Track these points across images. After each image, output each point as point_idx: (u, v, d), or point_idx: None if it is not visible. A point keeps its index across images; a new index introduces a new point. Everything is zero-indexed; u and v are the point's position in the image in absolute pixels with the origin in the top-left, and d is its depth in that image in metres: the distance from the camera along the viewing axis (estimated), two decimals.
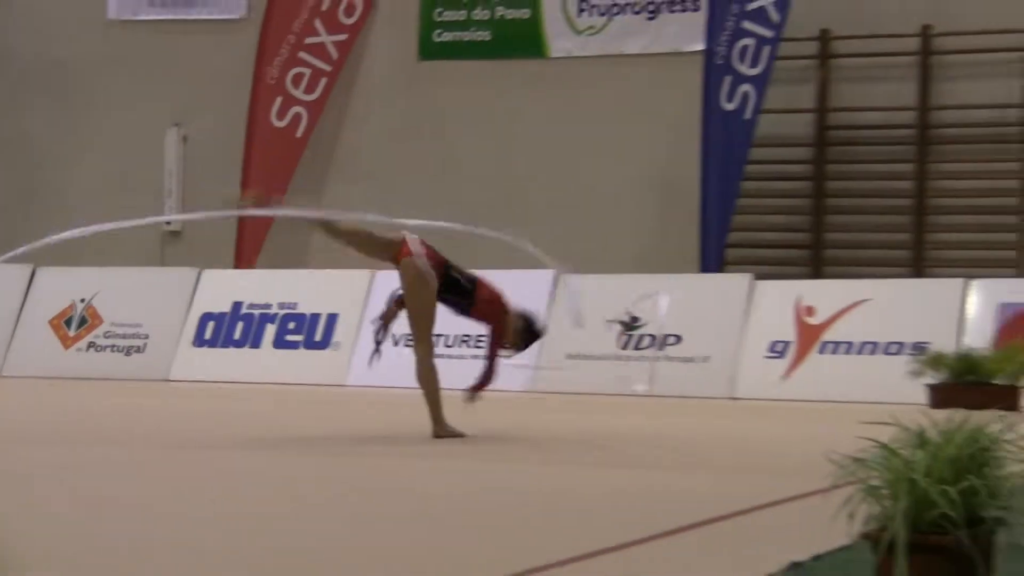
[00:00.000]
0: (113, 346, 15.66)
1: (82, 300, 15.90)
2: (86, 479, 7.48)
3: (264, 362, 15.03)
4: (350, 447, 9.05)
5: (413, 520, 6.13)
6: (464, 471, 7.95)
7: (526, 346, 9.76)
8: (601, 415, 11.77)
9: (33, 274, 16.27)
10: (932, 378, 12.41)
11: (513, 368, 12.02)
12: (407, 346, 14.62)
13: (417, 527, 5.94)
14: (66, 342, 15.79)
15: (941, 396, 11.99)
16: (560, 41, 17.24)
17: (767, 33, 15.57)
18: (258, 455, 8.53)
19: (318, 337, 15.02)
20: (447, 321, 13.27)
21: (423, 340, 9.46)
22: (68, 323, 15.87)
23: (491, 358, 9.60)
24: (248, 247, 17.29)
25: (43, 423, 10.63)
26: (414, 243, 9.43)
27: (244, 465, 8.08)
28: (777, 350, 13.85)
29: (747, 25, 15.54)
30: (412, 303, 9.42)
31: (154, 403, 12.65)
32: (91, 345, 15.73)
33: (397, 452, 8.85)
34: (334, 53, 17.79)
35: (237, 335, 15.36)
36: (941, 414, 4.67)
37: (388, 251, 9.47)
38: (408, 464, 8.26)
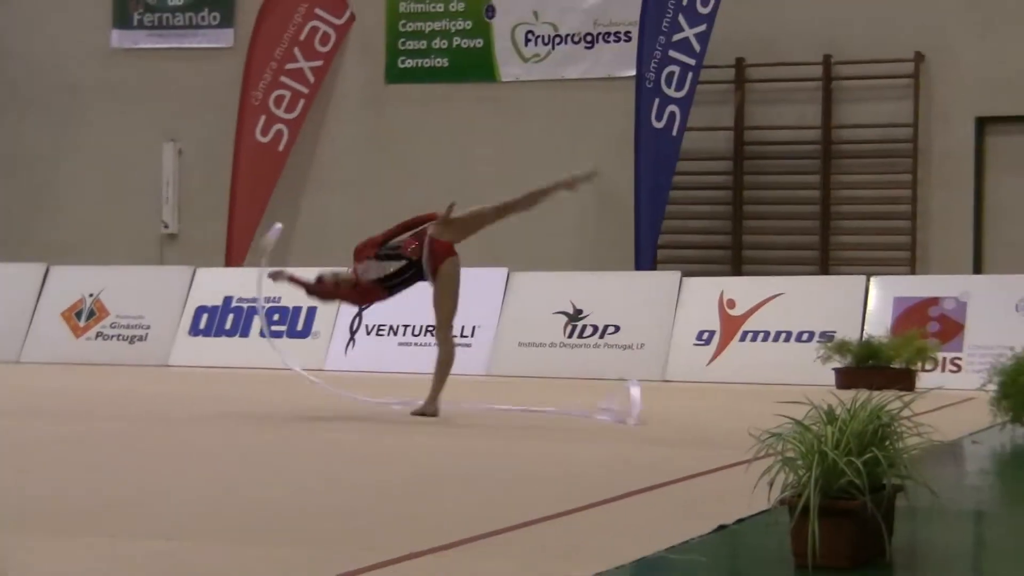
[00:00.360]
0: (118, 335, 15.57)
1: (90, 295, 15.81)
2: (91, 448, 7.49)
3: (252, 349, 14.97)
4: (320, 422, 9.05)
5: (384, 484, 6.14)
6: (431, 444, 7.96)
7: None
8: (550, 397, 11.79)
9: (47, 272, 16.17)
10: (838, 362, 12.44)
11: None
12: (378, 335, 14.71)
13: (389, 492, 5.95)
14: (76, 332, 15.70)
15: (846, 378, 12.01)
16: (509, 67, 17.26)
17: (690, 61, 15.62)
18: (245, 428, 8.53)
19: (300, 327, 14.99)
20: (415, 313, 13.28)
21: (450, 327, 9.39)
22: (78, 315, 15.78)
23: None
24: (237, 248, 17.23)
25: (56, 402, 10.59)
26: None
27: (231, 436, 8.08)
28: (703, 338, 13.87)
29: (673, 54, 15.59)
30: (453, 297, 9.27)
31: (154, 385, 12.61)
32: (99, 335, 15.63)
33: (362, 427, 8.85)
34: (311, 77, 17.76)
35: (228, 325, 15.31)
36: (847, 394, 4.71)
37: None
38: (375, 437, 8.27)
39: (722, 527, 4.98)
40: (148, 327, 15.50)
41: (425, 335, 14.48)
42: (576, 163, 17.00)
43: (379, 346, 14.60)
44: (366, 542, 4.80)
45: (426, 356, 14.22)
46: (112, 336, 15.58)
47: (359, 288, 9.37)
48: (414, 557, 4.42)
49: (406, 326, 14.62)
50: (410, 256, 9.28)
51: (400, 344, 14.55)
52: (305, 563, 4.43)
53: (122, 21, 18.61)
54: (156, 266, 17.31)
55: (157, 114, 18.23)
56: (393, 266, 9.29)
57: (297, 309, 15.06)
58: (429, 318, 14.27)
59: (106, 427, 8.63)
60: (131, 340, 15.51)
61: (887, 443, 4.47)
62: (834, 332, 13.19)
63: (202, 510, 5.39)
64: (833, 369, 12.38)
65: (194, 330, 15.37)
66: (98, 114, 18.59)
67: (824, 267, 15.85)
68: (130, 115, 18.47)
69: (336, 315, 14.69)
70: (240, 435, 8.30)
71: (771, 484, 4.42)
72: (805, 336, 13.58)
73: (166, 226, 18.15)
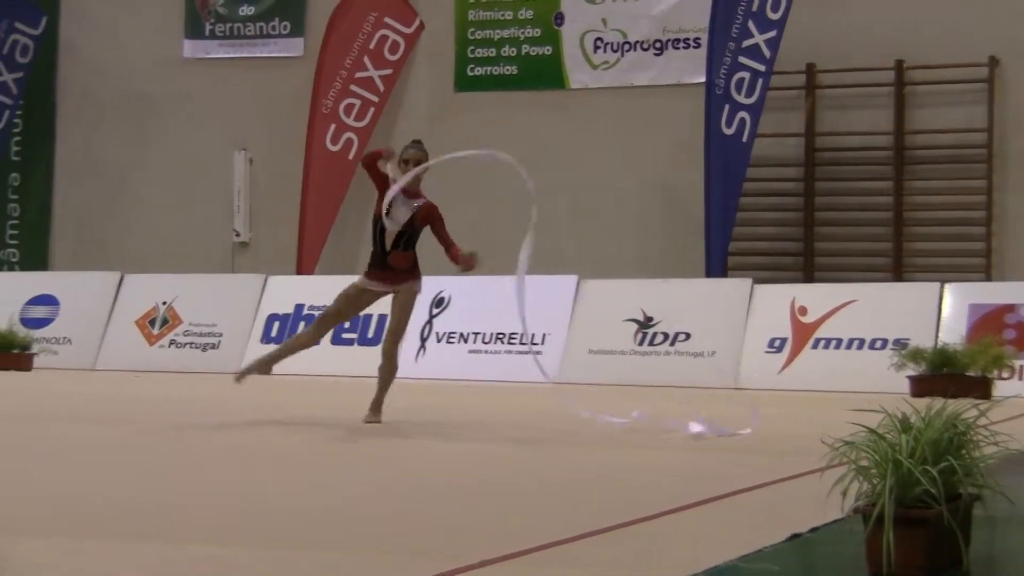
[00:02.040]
0: (191, 343, 15.70)
1: (164, 303, 15.95)
2: (150, 453, 7.55)
3: (323, 357, 15.01)
4: (393, 429, 9.07)
5: (445, 494, 6.14)
6: (498, 454, 7.96)
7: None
8: (619, 402, 11.77)
9: (121, 280, 16.34)
10: (912, 370, 12.35)
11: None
12: (448, 342, 14.75)
13: (452, 501, 5.95)
14: (150, 340, 15.85)
15: (921, 386, 11.91)
16: (578, 74, 17.26)
17: (760, 67, 15.55)
18: (311, 433, 8.57)
19: (370, 335, 15.03)
20: (485, 320, 13.37)
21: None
22: (152, 323, 15.93)
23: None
24: (308, 256, 17.33)
25: (126, 409, 10.69)
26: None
27: (296, 442, 8.12)
28: (775, 345, 13.80)
29: (743, 60, 15.53)
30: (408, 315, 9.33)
31: (226, 392, 12.69)
32: (172, 342, 15.77)
33: (429, 434, 8.86)
34: (381, 86, 17.84)
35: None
36: (921, 402, 4.67)
37: None
38: (437, 445, 8.27)
39: (795, 536, 4.94)
40: (220, 335, 15.61)
41: (495, 343, 14.50)
42: (646, 170, 17.04)
43: (449, 353, 14.63)
44: (449, 550, 4.81)
45: (496, 364, 14.32)
46: (185, 344, 15.70)
47: (384, 186, 9.28)
48: (486, 565, 4.43)
49: (476, 334, 14.63)
50: (405, 230, 9.16)
51: (471, 352, 14.57)
52: (368, 569, 4.44)
53: (194, 31, 18.79)
54: (228, 274, 17.44)
55: (228, 123, 18.38)
56: (401, 216, 9.18)
57: (368, 317, 15.11)
58: (499, 326, 14.44)
59: (168, 433, 8.69)
60: (204, 348, 15.63)
61: (963, 452, 4.44)
62: (908, 339, 13.09)
63: (256, 515, 5.41)
64: (907, 377, 12.29)
65: (266, 338, 15.46)
66: (170, 123, 18.78)
67: (897, 273, 15.73)
68: (201, 124, 18.64)
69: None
70: (308, 439, 8.33)
71: (844, 493, 4.38)
72: (878, 343, 13.48)
73: (237, 234, 18.28)
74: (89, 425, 9.26)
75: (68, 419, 9.81)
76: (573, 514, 5.59)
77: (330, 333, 13.36)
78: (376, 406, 9.29)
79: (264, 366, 9.53)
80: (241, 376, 9.59)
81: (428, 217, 9.25)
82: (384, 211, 9.10)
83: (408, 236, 9.24)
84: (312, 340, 9.49)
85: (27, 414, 10.19)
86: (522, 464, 7.47)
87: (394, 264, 9.20)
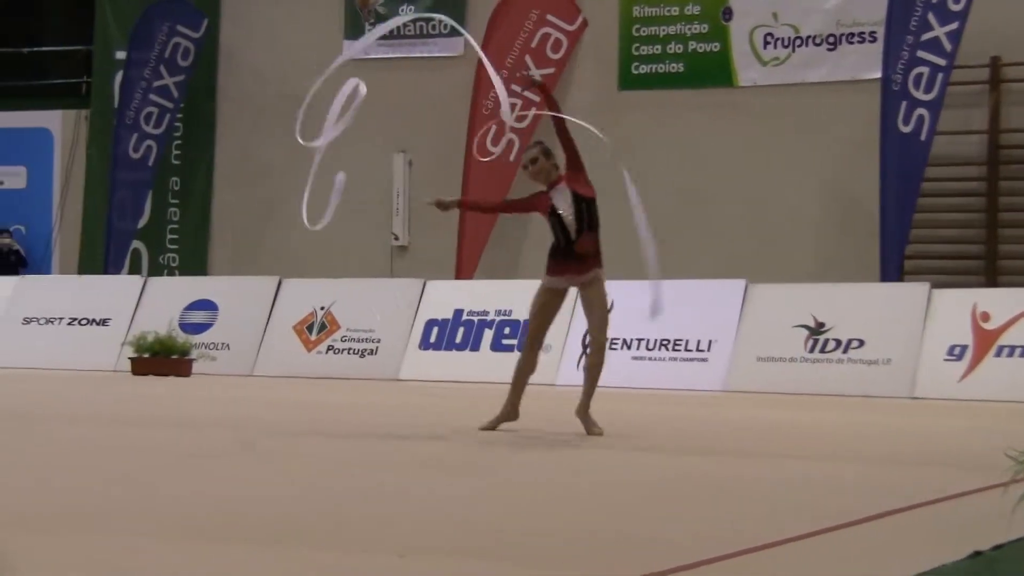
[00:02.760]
0: (349, 349, 15.87)
1: (322, 308, 16.12)
2: (287, 459, 7.65)
3: (483, 363, 15.12)
4: (553, 438, 9.07)
5: (610, 504, 6.13)
6: (657, 462, 7.93)
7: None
8: (790, 412, 11.66)
9: (279, 285, 16.57)
10: None
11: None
12: (611, 348, 14.69)
13: (614, 511, 5.95)
14: (308, 345, 16.05)
15: None
16: (747, 71, 17.13)
17: (941, 61, 15.26)
18: (469, 443, 8.62)
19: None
20: (649, 325, 13.29)
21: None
22: (310, 328, 16.11)
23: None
24: (467, 261, 17.44)
25: (282, 415, 10.86)
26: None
27: (455, 451, 8.17)
28: (955, 353, 13.52)
29: (922, 54, 15.25)
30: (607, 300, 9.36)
31: (384, 399, 12.84)
32: (330, 348, 15.96)
33: (593, 443, 8.85)
34: None
35: (459, 339, 15.47)
36: None
37: None
38: (606, 454, 8.26)
39: (977, 553, 4.84)
40: (379, 340, 15.76)
41: (660, 349, 14.44)
42: (818, 170, 16.84)
43: (612, 360, 14.56)
44: (600, 562, 4.80)
45: (662, 371, 14.25)
46: (343, 349, 15.89)
47: (534, 201, 9.36)
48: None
49: (640, 340, 14.58)
50: (580, 207, 9.19)
51: (634, 358, 14.52)
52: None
53: (354, 31, 19.04)
54: (386, 279, 17.62)
55: (387, 125, 18.56)
56: (565, 202, 9.20)
57: (527, 323, 15.13)
58: (663, 332, 14.36)
59: (316, 441, 8.80)
60: (362, 354, 15.79)
61: None
62: None
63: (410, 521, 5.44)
64: None
65: (424, 343, 15.57)
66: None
67: None
68: (361, 126, 18.71)
69: (568, 328, 14.73)
70: (468, 449, 8.38)
71: None
72: None
73: (396, 238, 18.47)
74: (238, 431, 9.42)
75: (228, 425, 9.99)
76: (738, 527, 5.55)
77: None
78: (587, 409, 9.20)
79: (510, 413, 9.47)
80: (490, 427, 9.43)
81: (573, 180, 9.21)
82: (549, 208, 9.16)
83: (587, 211, 9.21)
84: (531, 366, 9.44)
85: (186, 419, 10.40)
86: (685, 475, 7.42)
87: (581, 250, 9.12)
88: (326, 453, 8.17)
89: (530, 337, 9.41)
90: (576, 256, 9.14)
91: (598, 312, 9.24)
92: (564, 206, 9.18)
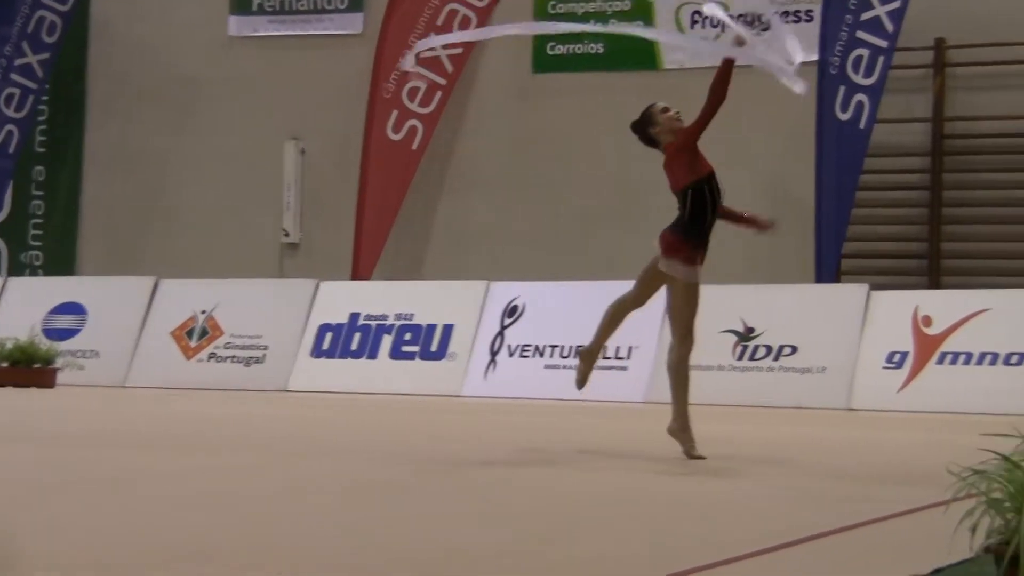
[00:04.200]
0: (233, 357, 15.80)
1: (203, 312, 16.07)
2: (186, 483, 7.54)
3: (381, 372, 15.09)
4: (460, 456, 9.04)
5: (556, 524, 6.10)
6: (568, 480, 7.91)
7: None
8: (716, 424, 11.68)
9: (156, 286, 16.47)
10: None
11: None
12: (523, 356, 14.70)
13: (566, 531, 5.91)
14: (188, 353, 15.97)
15: None
16: (673, 53, 17.18)
17: (881, 43, 15.40)
18: (369, 463, 8.55)
19: (434, 348, 15.04)
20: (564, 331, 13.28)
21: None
22: (190, 334, 16.05)
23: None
24: (365, 260, 17.38)
25: (162, 431, 10.73)
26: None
27: (348, 472, 8.10)
28: (895, 361, 13.69)
29: (861, 35, 15.39)
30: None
31: (271, 412, 12.74)
32: (212, 356, 15.88)
33: (487, 459, 8.82)
34: (449, 67, 17.84)
35: (355, 346, 15.44)
36: None
37: None
38: (508, 471, 8.23)
39: None
40: (266, 348, 15.69)
41: (576, 356, 14.41)
42: (748, 161, 16.91)
43: (523, 369, 14.57)
44: None
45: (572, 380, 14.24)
46: (226, 357, 15.80)
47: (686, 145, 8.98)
48: None
49: (554, 347, 14.59)
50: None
51: (547, 367, 14.52)
52: None
53: (241, 6, 18.91)
54: (275, 279, 17.53)
55: (278, 109, 18.48)
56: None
57: (431, 327, 15.13)
58: (578, 338, 14.34)
59: (210, 461, 8.71)
60: (247, 362, 15.72)
61: None
62: None
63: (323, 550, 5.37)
64: None
65: (317, 351, 15.52)
66: (213, 109, 18.91)
67: None
68: (248, 110, 18.75)
69: (475, 335, 14.70)
70: (365, 469, 8.32)
71: (974, 529, 4.34)
72: (1014, 359, 13.35)
73: (287, 234, 18.37)
74: (119, 451, 9.29)
75: (99, 443, 9.85)
76: (669, 548, 5.56)
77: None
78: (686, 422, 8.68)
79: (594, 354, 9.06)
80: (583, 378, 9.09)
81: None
82: (709, 172, 8.65)
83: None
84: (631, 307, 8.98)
85: (51, 436, 10.24)
86: (601, 496, 7.40)
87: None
88: (197, 474, 8.05)
89: (689, 333, 8.97)
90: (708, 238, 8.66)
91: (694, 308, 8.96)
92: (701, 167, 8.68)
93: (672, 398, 8.75)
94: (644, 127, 9.12)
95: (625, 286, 15.26)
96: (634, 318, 14.35)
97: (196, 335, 16.02)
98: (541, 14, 17.66)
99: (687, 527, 6.16)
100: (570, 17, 17.57)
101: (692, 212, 8.73)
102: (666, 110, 9.10)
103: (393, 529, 5.99)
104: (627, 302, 8.95)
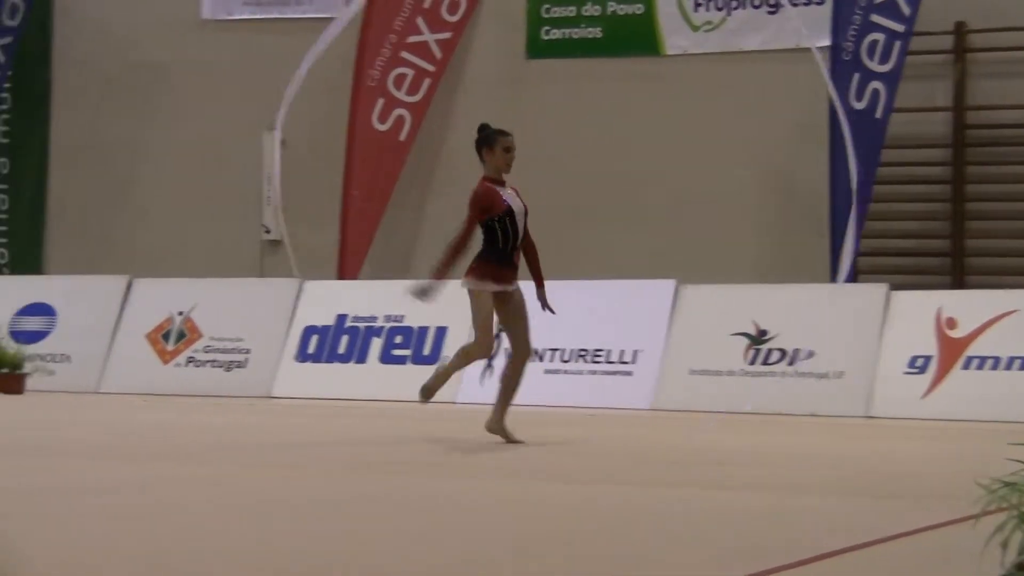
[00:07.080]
0: (213, 361, 15.82)
1: (180, 313, 16.06)
2: (160, 496, 7.59)
3: (370, 377, 15.13)
4: (460, 466, 9.11)
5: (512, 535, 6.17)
6: (571, 494, 7.99)
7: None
8: (727, 435, 11.78)
9: (130, 285, 16.46)
10: None
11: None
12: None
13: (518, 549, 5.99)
14: (164, 357, 15.97)
15: None
16: (676, 38, 17.27)
17: (898, 27, 15.49)
18: (358, 475, 8.63)
19: (426, 351, 15.09)
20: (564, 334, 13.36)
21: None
22: (166, 337, 16.04)
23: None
24: (352, 258, 17.40)
25: (136, 440, 10.78)
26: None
27: (335, 485, 8.17)
28: (917, 365, 13.70)
29: (876, 19, 15.47)
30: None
31: (253, 420, 12.79)
32: (190, 360, 15.90)
33: (495, 472, 8.90)
34: (438, 52, 17.91)
35: (342, 349, 15.45)
36: None
37: None
38: (508, 485, 8.31)
39: None
40: (248, 351, 15.73)
41: (577, 361, 14.53)
42: (758, 153, 17.01)
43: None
44: None
45: (579, 386, 14.35)
46: (206, 362, 15.83)
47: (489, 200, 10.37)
48: None
49: (554, 350, 14.65)
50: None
51: (547, 372, 14.60)
52: None
53: None
54: (256, 278, 17.57)
55: (256, 97, 18.49)
56: (516, 202, 10.35)
57: (423, 330, 15.19)
58: (581, 341, 14.46)
59: (187, 471, 8.77)
60: (228, 367, 15.75)
61: None
62: None
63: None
64: None
65: (302, 355, 15.56)
66: (187, 98, 18.95)
67: None
68: (224, 99, 18.79)
69: (468, 338, 14.76)
70: (355, 482, 8.39)
71: (1005, 545, 4.34)
72: None
73: (268, 231, 18.40)
74: (90, 461, 9.36)
75: (67, 454, 9.93)
76: (691, 562, 5.60)
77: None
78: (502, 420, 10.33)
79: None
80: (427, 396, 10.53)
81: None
82: (505, 209, 10.13)
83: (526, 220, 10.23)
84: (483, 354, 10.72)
85: (18, 447, 10.32)
86: (634, 505, 7.48)
87: (516, 258, 10.22)
88: (174, 487, 8.14)
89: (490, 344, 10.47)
90: (513, 263, 10.18)
91: (526, 318, 10.32)
92: (517, 207, 10.18)
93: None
94: (483, 143, 10.33)
95: (625, 283, 15.47)
96: (639, 324, 14.52)
97: (173, 338, 16.02)
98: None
99: (680, 545, 6.16)
100: (565, 2, 17.65)
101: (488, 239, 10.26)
102: (509, 150, 10.33)
103: (358, 547, 6.07)
104: None
